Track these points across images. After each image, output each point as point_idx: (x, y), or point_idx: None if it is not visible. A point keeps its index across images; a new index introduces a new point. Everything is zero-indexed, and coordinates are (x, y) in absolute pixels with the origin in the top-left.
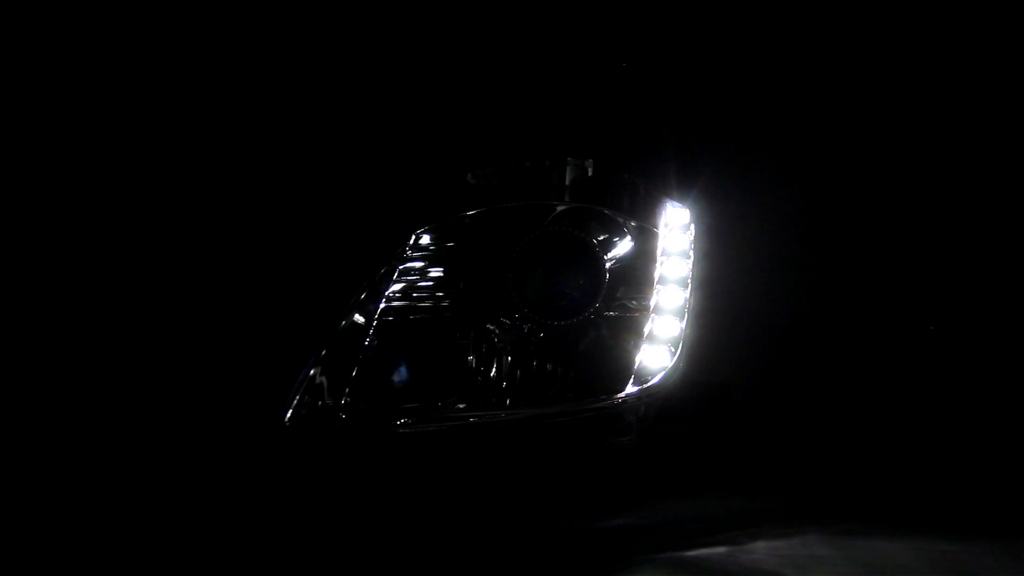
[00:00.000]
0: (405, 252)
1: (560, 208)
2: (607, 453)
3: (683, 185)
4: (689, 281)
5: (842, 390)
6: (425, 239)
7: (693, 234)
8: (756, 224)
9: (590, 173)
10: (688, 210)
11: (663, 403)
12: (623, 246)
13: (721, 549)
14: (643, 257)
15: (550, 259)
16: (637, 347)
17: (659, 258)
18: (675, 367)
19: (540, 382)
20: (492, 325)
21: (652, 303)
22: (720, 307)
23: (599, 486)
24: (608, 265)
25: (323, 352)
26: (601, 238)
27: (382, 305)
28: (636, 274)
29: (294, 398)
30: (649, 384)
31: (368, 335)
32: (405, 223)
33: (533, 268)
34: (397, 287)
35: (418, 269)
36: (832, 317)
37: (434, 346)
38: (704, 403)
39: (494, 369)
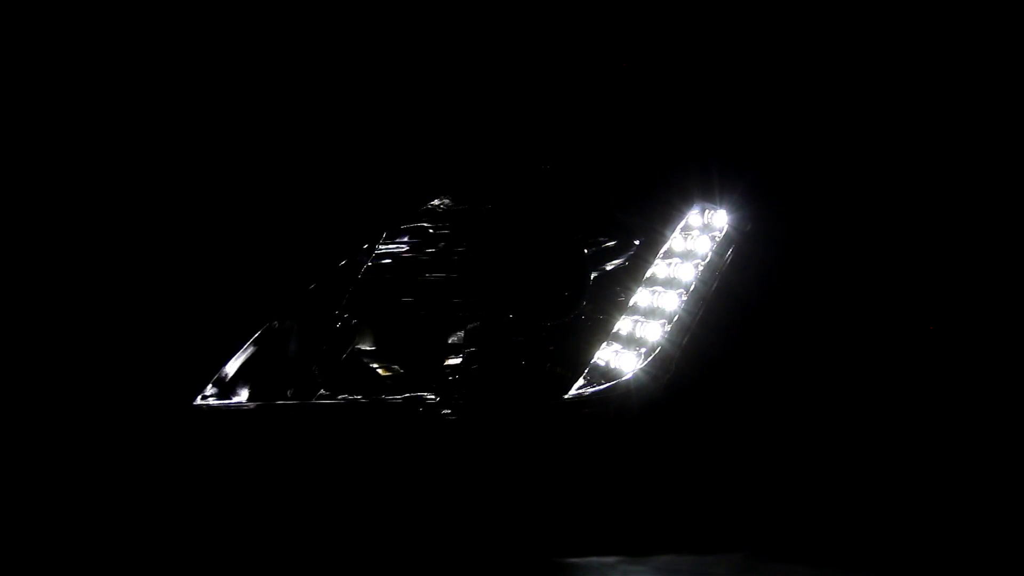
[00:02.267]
0: (373, 252)
1: (552, 207)
2: (557, 452)
3: (723, 189)
4: (693, 284)
5: (815, 411)
6: (389, 239)
7: (719, 238)
8: (784, 235)
9: (593, 172)
10: (725, 213)
11: (625, 406)
12: (620, 246)
13: (609, 559)
14: (640, 258)
15: (527, 260)
16: (610, 348)
17: (658, 260)
18: (646, 370)
19: (496, 379)
20: (453, 324)
21: (643, 306)
22: (721, 314)
23: (543, 483)
24: (595, 265)
25: (249, 344)
26: (596, 236)
27: (346, 296)
28: (627, 275)
29: (208, 383)
30: (608, 386)
31: (311, 328)
32: (372, 222)
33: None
34: (356, 284)
35: (378, 270)
36: (834, 337)
37: (382, 343)
38: (671, 409)
39: (447, 367)
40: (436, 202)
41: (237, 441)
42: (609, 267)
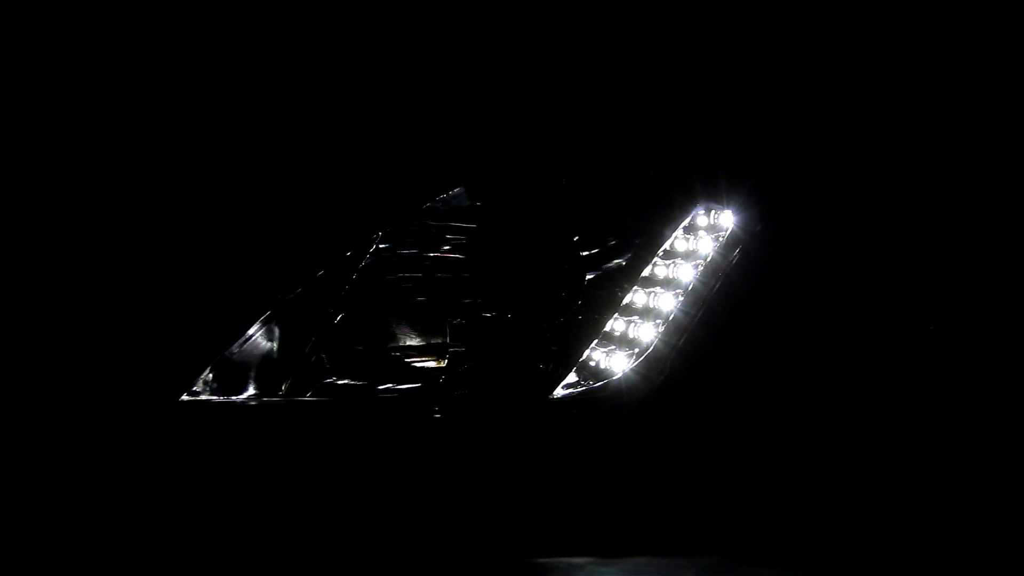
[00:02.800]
0: (366, 256)
1: (551, 207)
2: (540, 451)
3: (730, 188)
4: (692, 285)
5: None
6: (389, 237)
7: (724, 238)
8: (793, 236)
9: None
10: (731, 214)
11: (615, 406)
12: (620, 245)
13: (579, 559)
14: (639, 258)
15: (522, 259)
16: (602, 347)
17: (657, 260)
18: (637, 371)
19: (484, 378)
20: (448, 322)
21: (639, 306)
22: (721, 316)
23: (523, 482)
24: (594, 265)
25: (240, 338)
26: (596, 236)
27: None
28: (625, 274)
29: (196, 380)
30: (597, 386)
31: (305, 328)
32: (365, 225)
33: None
34: (353, 281)
35: (376, 267)
36: (835, 341)
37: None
38: (662, 410)
39: (438, 365)
40: (438, 200)
41: (226, 439)
42: (608, 267)
